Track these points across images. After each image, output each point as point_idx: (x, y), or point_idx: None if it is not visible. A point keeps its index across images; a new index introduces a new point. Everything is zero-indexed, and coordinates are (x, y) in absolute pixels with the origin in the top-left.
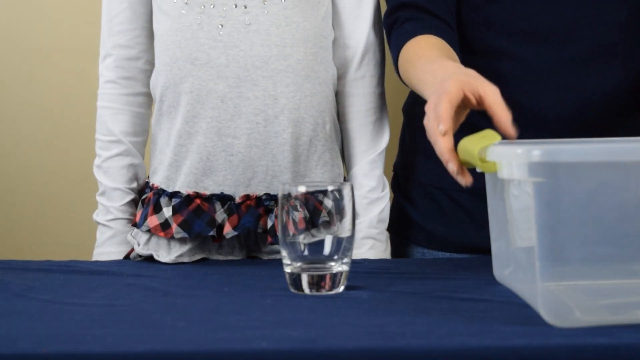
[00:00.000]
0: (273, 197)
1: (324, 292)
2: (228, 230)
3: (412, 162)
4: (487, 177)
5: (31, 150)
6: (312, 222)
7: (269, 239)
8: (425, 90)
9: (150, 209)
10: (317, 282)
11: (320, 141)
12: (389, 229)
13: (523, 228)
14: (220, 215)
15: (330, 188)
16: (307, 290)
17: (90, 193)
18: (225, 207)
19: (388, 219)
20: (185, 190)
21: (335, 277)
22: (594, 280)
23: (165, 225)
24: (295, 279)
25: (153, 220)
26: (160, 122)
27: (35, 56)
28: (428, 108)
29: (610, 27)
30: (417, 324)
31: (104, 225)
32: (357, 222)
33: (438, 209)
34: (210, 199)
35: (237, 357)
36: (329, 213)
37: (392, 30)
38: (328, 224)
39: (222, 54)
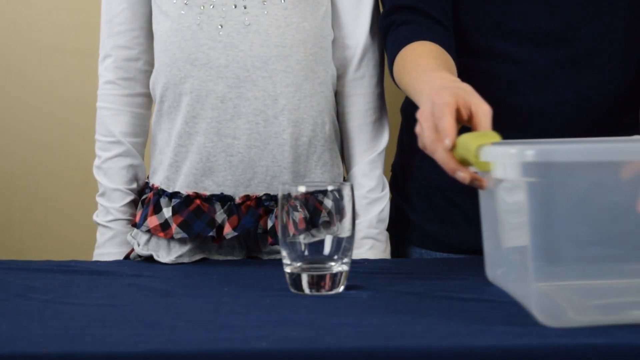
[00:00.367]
0: (273, 198)
1: (324, 292)
2: (228, 231)
3: (410, 163)
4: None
5: (31, 151)
6: (312, 222)
7: (269, 240)
8: (421, 100)
9: (150, 209)
10: (317, 282)
11: (320, 141)
12: (387, 229)
13: (516, 228)
14: (220, 215)
15: (330, 188)
16: (307, 290)
17: (91, 193)
18: (225, 207)
19: (388, 219)
20: (185, 190)
21: (335, 277)
22: (587, 281)
23: (165, 226)
24: (295, 279)
25: (153, 221)
26: (160, 122)
27: (35, 56)
28: (421, 115)
29: (608, 27)
30: (417, 324)
31: (104, 226)
32: (356, 222)
33: (436, 209)
34: (210, 199)
35: (237, 357)
36: (329, 213)
37: (388, 33)
38: (328, 224)
39: (221, 55)
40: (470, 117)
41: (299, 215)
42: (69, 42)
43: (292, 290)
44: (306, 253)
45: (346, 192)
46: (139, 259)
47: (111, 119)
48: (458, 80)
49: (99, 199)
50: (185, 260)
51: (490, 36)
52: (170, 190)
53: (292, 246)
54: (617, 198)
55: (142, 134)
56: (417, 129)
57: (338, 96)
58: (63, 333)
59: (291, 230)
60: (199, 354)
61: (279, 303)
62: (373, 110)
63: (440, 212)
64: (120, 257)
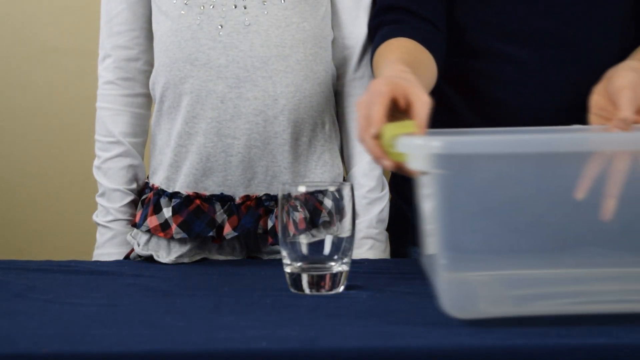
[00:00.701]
0: (273, 198)
1: (324, 292)
2: (228, 231)
3: None
4: None
5: (31, 151)
6: (312, 222)
7: (270, 240)
8: None
9: (150, 209)
10: (317, 282)
11: (320, 141)
12: (387, 229)
13: (428, 218)
14: (220, 215)
15: (330, 188)
16: (307, 290)
17: (90, 193)
18: (225, 207)
19: (388, 219)
20: (185, 190)
21: (335, 277)
22: (495, 272)
23: (165, 226)
24: (295, 279)
25: (153, 221)
26: (160, 122)
27: (35, 56)
28: (359, 104)
29: (606, 27)
30: (417, 324)
31: (103, 226)
32: (356, 222)
33: None
34: (210, 199)
35: (237, 357)
36: (329, 213)
37: (376, 34)
38: (328, 224)
39: (221, 55)
40: (407, 108)
41: (299, 215)
42: (69, 42)
43: (292, 290)
44: (306, 253)
45: (346, 192)
46: (139, 259)
47: (111, 119)
48: (407, 71)
49: (98, 199)
50: (185, 260)
51: (486, 37)
52: (170, 191)
53: (292, 246)
54: (520, 189)
55: (141, 134)
56: (358, 119)
57: (338, 96)
58: (63, 333)
59: (291, 230)
60: (199, 354)
61: (279, 303)
62: None
63: None
64: (120, 257)
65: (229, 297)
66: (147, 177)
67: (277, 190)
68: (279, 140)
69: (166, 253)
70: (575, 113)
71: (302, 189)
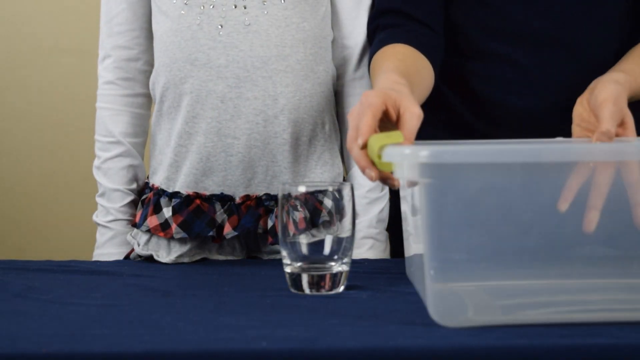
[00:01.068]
0: (273, 197)
1: (324, 292)
2: (228, 231)
3: None
4: None
5: (31, 151)
6: (312, 222)
7: (270, 239)
8: None
9: (150, 209)
10: (317, 282)
11: (320, 141)
12: (386, 229)
13: (415, 228)
14: (220, 215)
15: (330, 188)
16: (307, 290)
17: (91, 193)
18: (225, 207)
19: (387, 219)
20: (185, 190)
21: (335, 277)
22: (483, 282)
23: (165, 226)
24: (295, 279)
25: (153, 221)
26: (160, 122)
27: (35, 56)
28: (350, 115)
29: (604, 27)
30: (416, 324)
31: (103, 226)
32: (356, 221)
33: None
34: (210, 199)
35: (237, 357)
36: (329, 213)
37: (373, 38)
38: (328, 224)
39: (221, 55)
40: (398, 119)
41: (299, 215)
42: (69, 42)
43: (292, 290)
44: (306, 253)
45: (346, 192)
46: (139, 259)
47: (111, 119)
48: (401, 82)
49: (98, 200)
50: (186, 260)
51: (484, 38)
52: (170, 190)
53: (292, 246)
54: (508, 199)
55: (141, 134)
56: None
57: (337, 96)
58: (63, 333)
59: (291, 230)
60: (199, 354)
61: (279, 303)
62: None
63: None
64: (120, 257)
65: (229, 297)
66: (147, 177)
67: (277, 189)
68: (279, 140)
69: (166, 253)
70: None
71: (302, 188)
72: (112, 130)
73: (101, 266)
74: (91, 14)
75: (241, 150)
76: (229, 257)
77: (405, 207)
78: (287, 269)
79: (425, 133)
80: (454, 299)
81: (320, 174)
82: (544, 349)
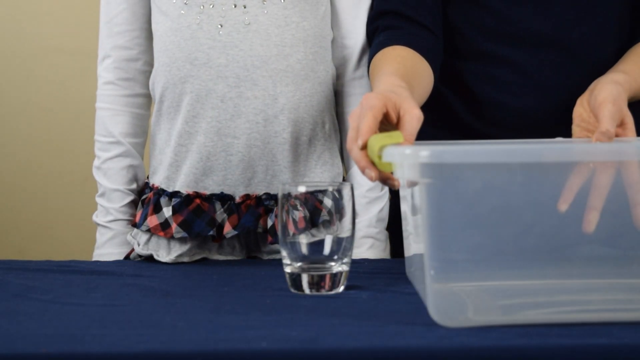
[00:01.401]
0: (273, 197)
1: (324, 292)
2: (228, 230)
3: None
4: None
5: (31, 151)
6: (312, 222)
7: (270, 239)
8: None
9: (150, 208)
10: (317, 282)
11: (320, 141)
12: (386, 229)
13: (415, 228)
14: (220, 215)
15: (330, 188)
16: (307, 290)
17: (90, 193)
18: (225, 206)
19: (387, 218)
20: (185, 190)
21: (335, 277)
22: (483, 282)
23: (165, 225)
24: (295, 279)
25: (153, 220)
26: (160, 122)
27: (35, 56)
28: (351, 117)
29: (600, 28)
30: (416, 324)
31: (103, 226)
32: (356, 221)
33: None
34: (210, 198)
35: (237, 357)
36: (329, 212)
37: (372, 40)
38: (328, 223)
39: (221, 54)
40: (399, 120)
41: (299, 214)
42: (69, 42)
43: (292, 290)
44: (306, 253)
45: (346, 191)
46: (139, 258)
47: (110, 119)
48: (401, 85)
49: (98, 200)
50: (185, 259)
51: (483, 39)
52: (170, 190)
53: (292, 246)
54: (508, 199)
55: (141, 135)
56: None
57: (337, 96)
58: (63, 333)
59: (291, 229)
60: (199, 354)
61: (279, 303)
62: None
63: None
64: (120, 257)
65: (229, 297)
66: (147, 177)
67: (277, 189)
68: (279, 139)
69: (166, 252)
70: (571, 115)
71: (302, 188)
72: (112, 130)
73: (101, 266)
74: (91, 14)
75: (241, 149)
76: (229, 257)
77: (405, 207)
78: (287, 269)
79: (425, 133)
80: (454, 299)
81: (320, 173)
82: (544, 349)
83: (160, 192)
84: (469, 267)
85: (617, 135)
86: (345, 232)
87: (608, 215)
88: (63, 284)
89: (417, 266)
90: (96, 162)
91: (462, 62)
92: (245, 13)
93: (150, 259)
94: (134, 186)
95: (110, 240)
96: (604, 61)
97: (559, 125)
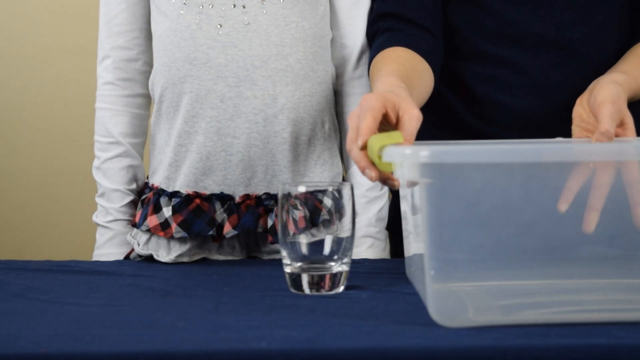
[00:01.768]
0: (273, 197)
1: (324, 292)
2: (228, 230)
3: None
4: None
5: (31, 150)
6: (312, 221)
7: (270, 238)
8: None
9: (150, 208)
10: (317, 282)
11: (319, 140)
12: (386, 229)
13: (416, 228)
14: (220, 215)
15: (330, 187)
16: (307, 290)
17: (90, 193)
18: (225, 206)
19: (387, 218)
20: (185, 190)
21: (335, 277)
22: (483, 282)
23: (165, 225)
24: (295, 279)
25: (153, 220)
26: (160, 122)
27: (35, 56)
28: (350, 118)
29: (602, 27)
30: (416, 324)
31: (103, 226)
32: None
33: None
34: (210, 198)
35: (237, 357)
36: (329, 212)
37: (372, 42)
38: (328, 223)
39: (221, 54)
40: (397, 121)
41: (299, 213)
42: (69, 42)
43: (292, 290)
44: (306, 253)
45: (346, 191)
46: (139, 258)
47: (110, 119)
48: (400, 85)
49: (98, 200)
50: (185, 259)
51: (483, 40)
52: (170, 190)
53: (292, 246)
54: (508, 199)
55: (141, 135)
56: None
57: (337, 95)
58: (63, 333)
59: (291, 229)
60: (199, 354)
61: (279, 303)
62: None
63: None
64: (120, 257)
65: (229, 297)
66: (147, 177)
67: (277, 189)
68: (278, 139)
69: (166, 252)
70: (571, 115)
71: (302, 188)
72: (112, 130)
73: (101, 266)
74: (91, 14)
75: (241, 149)
76: (229, 257)
77: (405, 207)
78: (287, 269)
79: (426, 133)
80: (454, 299)
81: (319, 173)
82: (544, 349)
83: (160, 192)
84: (469, 267)
85: (617, 135)
86: (345, 232)
87: (608, 215)
88: (63, 284)
89: (417, 266)
90: (96, 163)
91: (462, 63)
92: (244, 13)
93: (150, 259)
94: (134, 186)
95: (110, 241)
96: (605, 61)
97: (559, 125)
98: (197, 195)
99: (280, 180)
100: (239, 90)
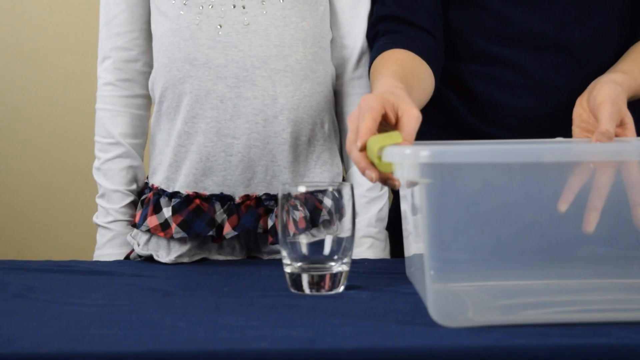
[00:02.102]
0: (273, 197)
1: (324, 292)
2: (228, 231)
3: None
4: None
5: (31, 150)
6: (312, 222)
7: (270, 239)
8: None
9: (150, 209)
10: (317, 282)
11: (319, 141)
12: (386, 229)
13: (416, 228)
14: (220, 215)
15: (330, 188)
16: (307, 290)
17: (91, 193)
18: (225, 207)
19: (387, 218)
20: (185, 190)
21: (335, 277)
22: (483, 282)
23: (165, 226)
24: (295, 279)
25: (153, 221)
26: (160, 122)
27: (35, 56)
28: (349, 119)
29: (603, 27)
30: (416, 324)
31: (104, 227)
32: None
33: None
34: (210, 199)
35: (237, 357)
36: (329, 212)
37: (372, 44)
38: (328, 223)
39: (221, 55)
40: (397, 122)
41: (299, 214)
42: (69, 42)
43: (292, 290)
44: (306, 253)
45: (346, 191)
46: (139, 259)
47: (110, 120)
48: (399, 86)
49: (98, 201)
50: (185, 260)
51: (483, 41)
52: (170, 190)
53: (292, 246)
54: (508, 199)
55: (141, 135)
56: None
57: (337, 96)
58: (63, 333)
59: (291, 229)
60: (199, 354)
61: (279, 303)
62: None
63: None
64: (121, 257)
65: (229, 297)
66: (147, 178)
67: (277, 189)
68: (278, 139)
69: (166, 253)
70: (570, 114)
71: (302, 189)
72: (112, 131)
73: (101, 266)
74: (91, 14)
75: (241, 150)
76: (229, 257)
77: (405, 207)
78: (287, 269)
79: (426, 133)
80: (454, 299)
81: (319, 173)
82: (544, 349)
83: (160, 192)
84: (469, 267)
85: (617, 135)
86: (345, 232)
87: (608, 215)
88: (63, 284)
89: (417, 266)
90: (96, 163)
91: (463, 64)
92: (244, 13)
93: (150, 259)
94: (134, 187)
95: (111, 241)
96: (605, 62)
97: (559, 125)
98: (197, 195)
99: (280, 180)
100: (238, 91)
